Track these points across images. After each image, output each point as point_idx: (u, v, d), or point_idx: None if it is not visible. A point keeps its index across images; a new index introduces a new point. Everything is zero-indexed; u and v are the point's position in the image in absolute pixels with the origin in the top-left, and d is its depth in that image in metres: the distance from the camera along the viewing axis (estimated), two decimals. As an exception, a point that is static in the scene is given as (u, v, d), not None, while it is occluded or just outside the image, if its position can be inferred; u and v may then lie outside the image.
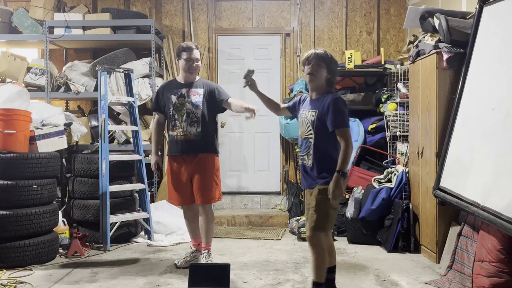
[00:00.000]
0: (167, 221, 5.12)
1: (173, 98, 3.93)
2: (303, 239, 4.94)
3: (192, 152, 3.88)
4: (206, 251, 3.96)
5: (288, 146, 6.32)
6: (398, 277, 3.79)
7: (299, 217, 5.38)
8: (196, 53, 3.91)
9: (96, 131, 5.48)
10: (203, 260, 3.91)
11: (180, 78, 4.01)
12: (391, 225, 4.61)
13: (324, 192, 2.96)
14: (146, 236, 4.99)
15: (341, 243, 4.87)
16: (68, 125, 5.13)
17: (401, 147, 5.13)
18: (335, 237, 5.04)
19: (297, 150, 2.88)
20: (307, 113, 3.10)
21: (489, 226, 3.23)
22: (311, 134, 3.00)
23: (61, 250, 4.39)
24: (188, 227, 4.16)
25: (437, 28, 4.07)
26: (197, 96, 3.91)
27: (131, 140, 5.25)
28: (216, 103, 3.95)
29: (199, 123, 3.86)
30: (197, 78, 4.02)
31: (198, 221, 4.00)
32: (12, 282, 3.57)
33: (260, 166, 6.43)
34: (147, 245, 4.80)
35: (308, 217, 3.07)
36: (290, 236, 5.26)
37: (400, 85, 5.15)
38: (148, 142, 5.63)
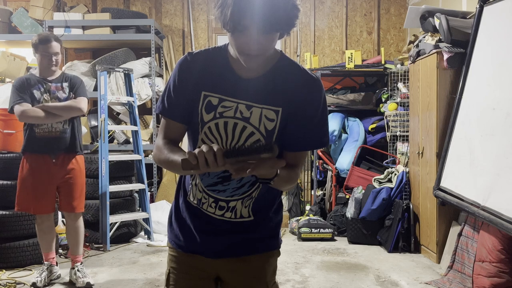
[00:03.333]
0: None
1: (37, 94, 3.55)
2: (303, 239, 4.95)
3: (58, 152, 3.55)
4: (79, 263, 3.65)
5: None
6: (398, 277, 3.79)
7: (299, 217, 5.38)
8: (55, 46, 3.52)
9: (95, 131, 5.48)
10: (79, 274, 3.56)
11: (38, 73, 3.63)
12: (392, 225, 4.60)
13: (275, 264, 1.66)
14: (146, 236, 4.99)
15: (341, 243, 4.87)
16: (68, 125, 5.11)
17: (401, 147, 5.12)
18: (335, 237, 5.04)
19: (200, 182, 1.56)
20: (245, 110, 1.41)
21: (489, 226, 3.22)
22: None
23: (61, 250, 4.39)
24: (43, 240, 3.64)
25: (438, 28, 4.07)
26: (61, 92, 3.58)
27: (131, 140, 5.24)
28: None
29: (66, 119, 3.54)
30: (59, 72, 3.67)
31: (53, 232, 3.72)
32: (11, 282, 3.57)
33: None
34: (147, 245, 4.79)
35: None
36: (290, 236, 5.25)
37: (400, 85, 5.14)
38: (148, 142, 5.64)
